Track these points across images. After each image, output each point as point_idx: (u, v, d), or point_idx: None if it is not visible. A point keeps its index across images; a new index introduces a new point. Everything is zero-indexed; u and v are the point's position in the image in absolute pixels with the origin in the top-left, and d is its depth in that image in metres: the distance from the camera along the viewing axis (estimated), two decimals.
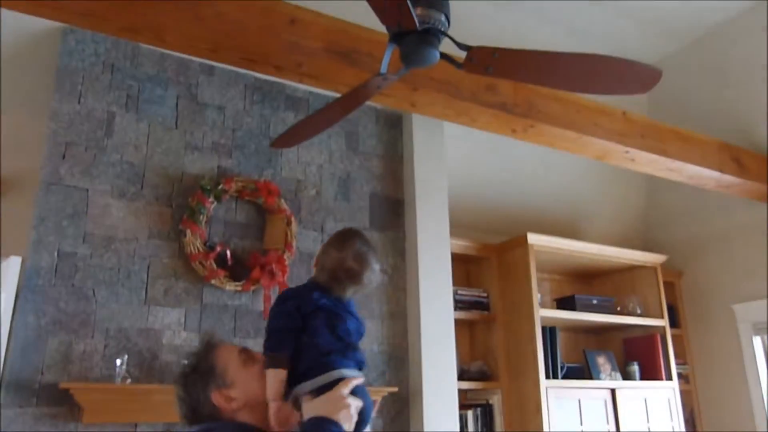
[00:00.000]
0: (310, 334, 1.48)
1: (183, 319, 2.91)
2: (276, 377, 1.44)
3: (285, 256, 3.11)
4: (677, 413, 4.16)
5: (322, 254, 1.61)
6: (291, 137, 2.37)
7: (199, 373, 1.48)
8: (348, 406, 1.38)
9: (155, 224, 2.96)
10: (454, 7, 1.87)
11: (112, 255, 2.84)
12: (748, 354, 4.38)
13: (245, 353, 1.53)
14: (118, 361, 2.66)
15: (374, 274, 1.59)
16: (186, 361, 1.54)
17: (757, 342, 4.38)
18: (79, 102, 2.92)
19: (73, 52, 2.96)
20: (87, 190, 2.85)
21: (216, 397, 1.44)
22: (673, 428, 4.11)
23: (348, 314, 1.55)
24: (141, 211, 2.95)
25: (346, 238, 1.61)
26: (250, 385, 1.46)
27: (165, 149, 3.08)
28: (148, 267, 2.90)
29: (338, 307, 1.54)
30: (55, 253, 2.72)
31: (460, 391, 3.53)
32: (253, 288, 3.05)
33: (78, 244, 2.77)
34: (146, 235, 2.93)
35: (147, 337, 2.82)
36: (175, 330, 2.89)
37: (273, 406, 1.43)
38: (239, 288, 3.00)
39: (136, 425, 2.71)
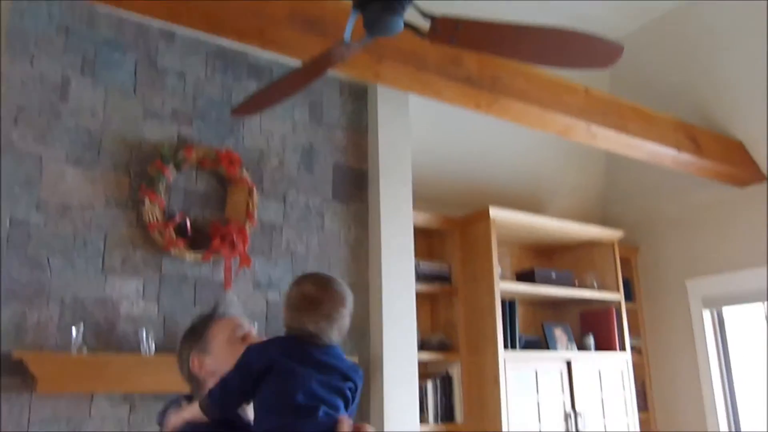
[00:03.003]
0: (257, 408, 1.36)
1: (141, 289, 2.87)
2: (188, 413, 1.40)
3: (246, 227, 3.08)
4: (629, 383, 4.30)
5: (284, 302, 1.49)
6: (252, 105, 2.33)
7: (191, 334, 1.59)
8: None
9: (112, 192, 2.90)
10: None
11: (67, 223, 2.77)
12: (698, 327, 4.54)
13: (239, 331, 1.57)
14: (74, 330, 2.62)
15: (339, 302, 1.44)
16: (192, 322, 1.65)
17: (707, 316, 4.54)
18: (31, 65, 2.81)
19: (24, 12, 2.84)
20: (41, 157, 2.76)
21: (193, 360, 1.54)
22: (625, 398, 4.25)
23: (311, 370, 1.34)
24: (97, 178, 2.87)
25: (300, 278, 1.52)
26: (225, 360, 1.48)
27: (123, 116, 3.00)
28: (105, 236, 2.84)
29: (299, 362, 1.35)
30: (8, 221, 2.64)
31: (420, 362, 3.58)
32: (213, 259, 3.01)
33: (31, 212, 2.70)
34: (103, 203, 2.87)
35: (104, 306, 2.77)
36: (134, 300, 2.85)
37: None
38: (199, 258, 2.97)
39: (92, 395, 2.68)
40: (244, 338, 1.56)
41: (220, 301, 1.74)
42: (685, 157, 3.82)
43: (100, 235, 2.83)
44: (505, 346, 3.77)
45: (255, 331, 1.64)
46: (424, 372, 3.81)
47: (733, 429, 4.37)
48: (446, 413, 3.81)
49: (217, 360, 1.52)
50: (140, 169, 2.97)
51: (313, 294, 1.45)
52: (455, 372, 3.87)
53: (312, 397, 1.31)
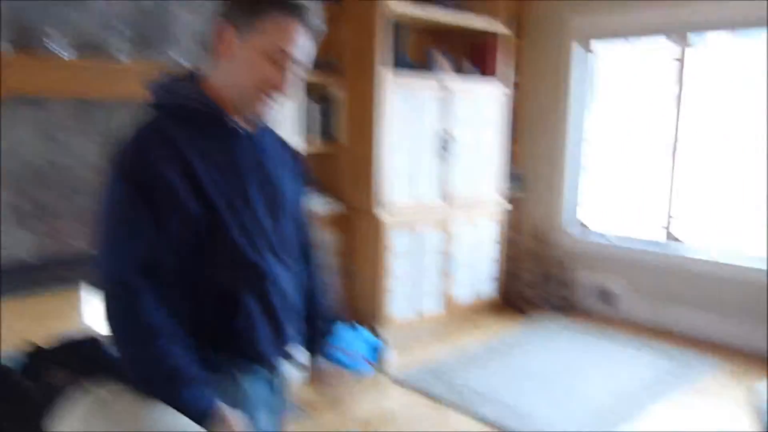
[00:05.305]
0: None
1: None
2: None
3: None
4: (504, 114, 4.55)
5: None
6: None
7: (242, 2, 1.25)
8: None
9: None
10: None
11: None
12: (571, 63, 4.71)
13: (285, 54, 1.25)
14: None
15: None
16: None
17: (580, 51, 4.70)
18: None
19: None
20: None
21: (222, 30, 1.25)
22: (497, 127, 4.53)
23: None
24: None
25: None
26: (243, 68, 1.24)
27: None
28: None
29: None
30: None
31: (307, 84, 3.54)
32: None
33: None
34: None
35: None
36: None
37: None
38: None
39: None
40: (281, 66, 1.24)
41: (309, 6, 1.27)
42: None
43: None
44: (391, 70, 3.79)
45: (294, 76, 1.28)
46: (309, 93, 3.81)
47: (579, 165, 4.88)
48: (328, 133, 3.91)
49: (240, 60, 1.23)
50: None
51: None
52: (339, 94, 3.89)
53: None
